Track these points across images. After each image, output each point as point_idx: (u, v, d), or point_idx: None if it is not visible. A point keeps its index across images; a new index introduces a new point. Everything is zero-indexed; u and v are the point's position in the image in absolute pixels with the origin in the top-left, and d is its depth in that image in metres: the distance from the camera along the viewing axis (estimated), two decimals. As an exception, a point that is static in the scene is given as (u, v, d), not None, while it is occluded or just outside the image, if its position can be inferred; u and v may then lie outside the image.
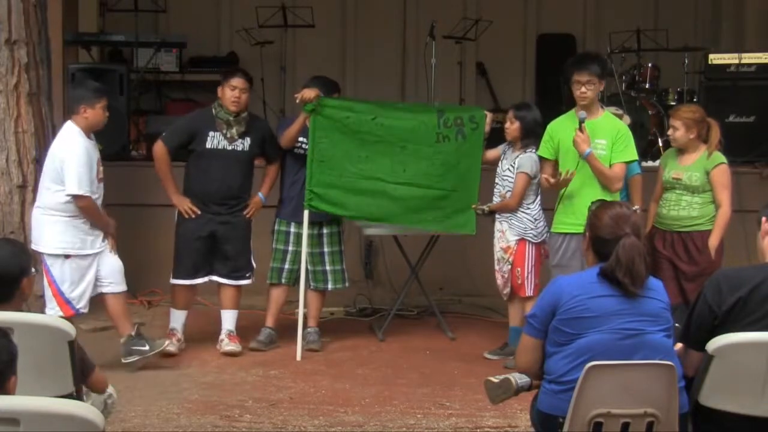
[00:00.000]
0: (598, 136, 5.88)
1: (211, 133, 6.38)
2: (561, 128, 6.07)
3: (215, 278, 6.52)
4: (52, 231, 5.82)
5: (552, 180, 5.94)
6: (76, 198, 5.76)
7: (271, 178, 6.70)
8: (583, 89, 5.88)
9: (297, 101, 6.52)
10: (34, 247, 5.77)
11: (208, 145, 6.37)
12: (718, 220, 5.97)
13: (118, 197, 6.39)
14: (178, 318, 6.52)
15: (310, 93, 6.38)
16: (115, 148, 7.50)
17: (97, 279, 5.92)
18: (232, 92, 6.36)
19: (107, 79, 8.36)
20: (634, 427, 3.34)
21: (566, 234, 5.98)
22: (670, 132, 6.10)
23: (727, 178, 6.00)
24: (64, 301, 5.81)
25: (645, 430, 3.35)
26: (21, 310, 3.68)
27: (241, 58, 10.59)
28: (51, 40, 6.80)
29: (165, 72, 10.03)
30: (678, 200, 6.05)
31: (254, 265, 6.59)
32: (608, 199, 5.65)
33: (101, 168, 5.95)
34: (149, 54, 9.64)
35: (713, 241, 5.94)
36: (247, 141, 6.44)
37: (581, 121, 5.83)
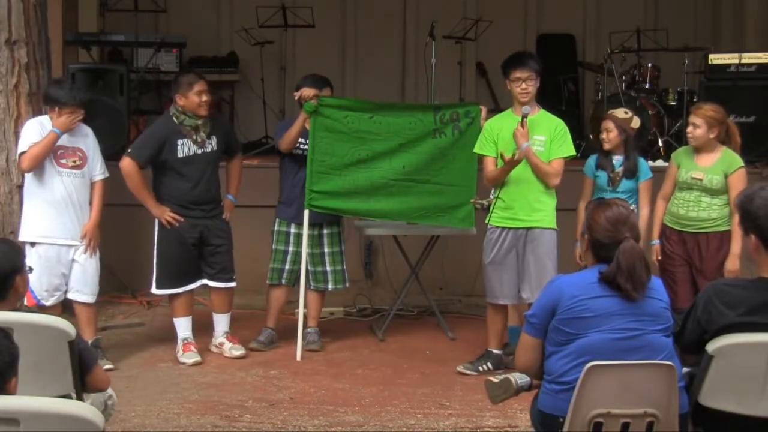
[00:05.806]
0: (536, 132, 5.89)
1: (180, 141, 6.23)
2: (499, 126, 6.03)
3: (206, 282, 6.39)
4: (24, 218, 5.94)
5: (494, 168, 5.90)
6: (20, 160, 5.86)
7: (237, 177, 6.59)
8: (524, 85, 5.87)
9: (296, 99, 6.53)
10: None
11: (180, 154, 6.22)
12: (736, 228, 5.76)
13: (118, 197, 6.36)
14: (185, 326, 6.35)
15: (308, 92, 6.39)
16: (115, 148, 7.47)
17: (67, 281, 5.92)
18: (199, 98, 6.23)
19: (107, 79, 8.35)
20: (634, 427, 3.34)
21: (503, 228, 5.95)
22: (689, 129, 5.98)
23: (744, 183, 5.91)
24: (29, 289, 5.79)
25: (645, 430, 3.35)
26: (18, 309, 3.68)
27: (241, 58, 10.59)
28: (51, 40, 6.81)
29: (165, 72, 10.01)
30: (697, 201, 5.99)
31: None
32: (546, 193, 5.79)
33: (75, 158, 5.94)
34: (149, 54, 9.63)
35: (735, 249, 5.84)
36: (214, 140, 6.34)
37: (524, 116, 5.81)
